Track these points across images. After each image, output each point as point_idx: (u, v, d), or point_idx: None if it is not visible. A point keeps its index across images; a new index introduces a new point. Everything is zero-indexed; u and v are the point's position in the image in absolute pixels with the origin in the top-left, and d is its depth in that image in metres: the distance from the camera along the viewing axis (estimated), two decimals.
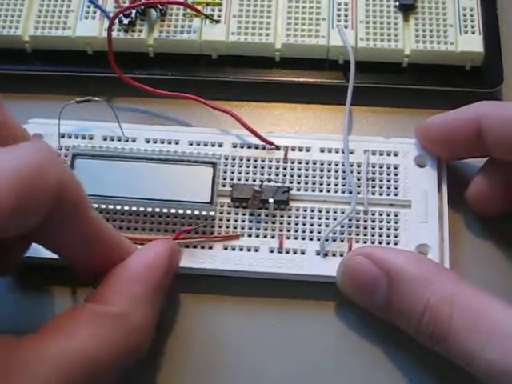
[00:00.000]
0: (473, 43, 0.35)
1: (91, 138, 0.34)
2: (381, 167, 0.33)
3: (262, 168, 0.33)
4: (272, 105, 0.36)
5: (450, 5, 0.36)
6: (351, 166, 0.32)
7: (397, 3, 0.36)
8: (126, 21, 0.36)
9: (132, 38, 0.36)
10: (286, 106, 0.36)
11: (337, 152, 0.33)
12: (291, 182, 0.32)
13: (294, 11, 0.36)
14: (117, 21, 0.35)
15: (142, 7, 0.36)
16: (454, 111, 0.32)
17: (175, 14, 0.36)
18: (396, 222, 0.31)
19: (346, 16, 0.36)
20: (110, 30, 0.34)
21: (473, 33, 0.35)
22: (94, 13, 0.36)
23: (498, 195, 0.31)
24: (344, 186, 0.32)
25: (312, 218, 0.32)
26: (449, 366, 0.27)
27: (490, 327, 0.25)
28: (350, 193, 0.32)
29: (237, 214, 0.32)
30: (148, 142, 0.33)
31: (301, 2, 0.36)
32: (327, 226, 0.31)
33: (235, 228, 0.32)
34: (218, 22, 0.36)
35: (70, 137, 0.34)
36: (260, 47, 0.36)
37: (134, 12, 0.36)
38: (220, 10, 0.36)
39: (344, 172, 0.32)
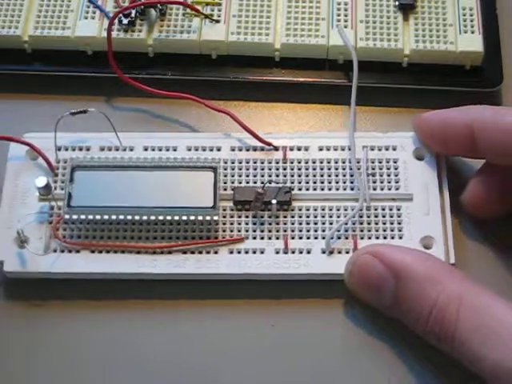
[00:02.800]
0: (473, 43, 0.35)
1: (88, 150, 0.33)
2: (380, 162, 0.33)
3: (262, 169, 0.33)
4: (272, 105, 0.36)
5: (449, 4, 0.36)
6: (350, 162, 0.32)
7: (396, 3, 0.36)
8: (125, 21, 0.35)
9: (132, 38, 0.36)
10: (286, 106, 0.36)
11: (335, 150, 0.33)
12: (292, 182, 0.32)
13: (293, 11, 0.36)
14: (116, 21, 0.35)
15: (142, 7, 0.36)
16: (449, 110, 0.31)
17: (175, 13, 0.36)
18: (399, 216, 0.31)
19: (346, 16, 0.36)
20: (109, 29, 0.34)
21: (472, 32, 0.35)
22: (94, 13, 0.36)
23: (494, 199, 0.31)
24: (345, 183, 0.32)
25: (315, 216, 0.31)
26: (456, 365, 0.27)
27: (496, 327, 0.25)
28: (352, 189, 0.32)
29: (240, 217, 0.32)
30: (146, 149, 0.33)
31: (300, 2, 0.36)
32: (331, 223, 0.31)
33: (239, 231, 0.31)
34: (217, 21, 0.36)
35: (66, 149, 0.33)
36: (260, 47, 0.36)
37: (133, 12, 0.36)
38: (220, 10, 0.36)
39: (344, 169, 0.32)
